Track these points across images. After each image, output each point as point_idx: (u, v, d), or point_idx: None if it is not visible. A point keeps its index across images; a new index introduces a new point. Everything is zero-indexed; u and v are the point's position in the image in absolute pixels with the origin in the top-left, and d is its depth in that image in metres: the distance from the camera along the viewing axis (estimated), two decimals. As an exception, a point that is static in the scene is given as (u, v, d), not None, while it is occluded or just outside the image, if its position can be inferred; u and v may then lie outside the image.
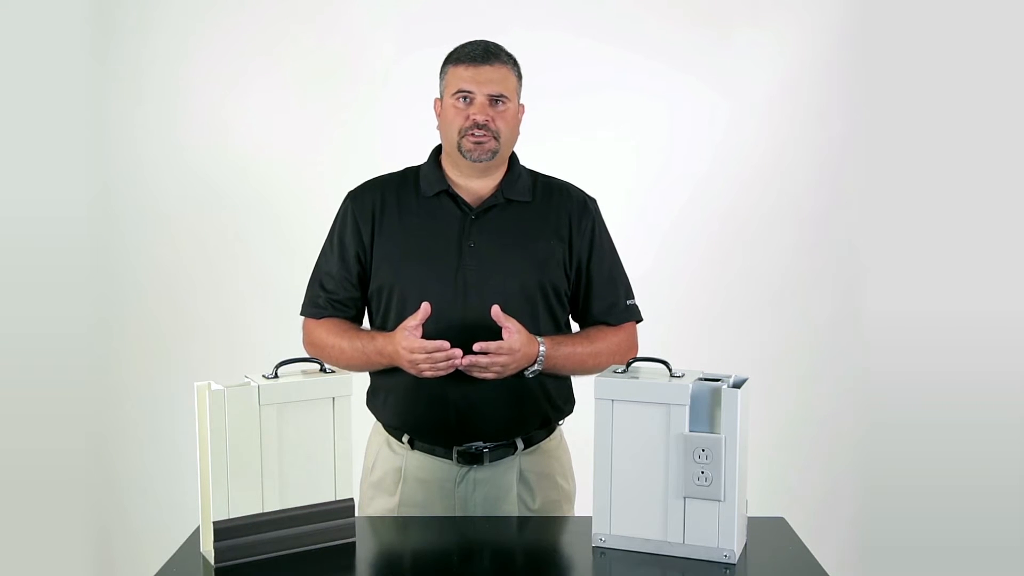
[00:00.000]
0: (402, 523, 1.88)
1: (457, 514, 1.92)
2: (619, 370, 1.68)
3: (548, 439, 1.99)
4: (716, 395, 1.58)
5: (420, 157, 2.04)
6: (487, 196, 1.94)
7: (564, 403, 2.01)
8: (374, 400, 2.00)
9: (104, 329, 3.05)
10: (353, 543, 1.67)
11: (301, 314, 2.00)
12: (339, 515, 1.67)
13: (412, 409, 1.91)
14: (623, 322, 2.00)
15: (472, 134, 1.86)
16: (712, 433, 1.59)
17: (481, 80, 1.87)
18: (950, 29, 2.78)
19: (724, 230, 3.17)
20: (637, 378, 1.64)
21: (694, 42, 3.12)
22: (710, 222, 3.17)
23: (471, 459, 1.91)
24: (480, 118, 1.86)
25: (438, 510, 1.92)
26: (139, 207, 3.08)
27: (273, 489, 1.61)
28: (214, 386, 1.58)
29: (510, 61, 1.93)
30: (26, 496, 2.73)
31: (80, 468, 2.94)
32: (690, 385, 1.60)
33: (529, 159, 3.15)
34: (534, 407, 1.93)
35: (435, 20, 3.04)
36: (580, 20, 3.10)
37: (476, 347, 1.77)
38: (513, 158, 2.00)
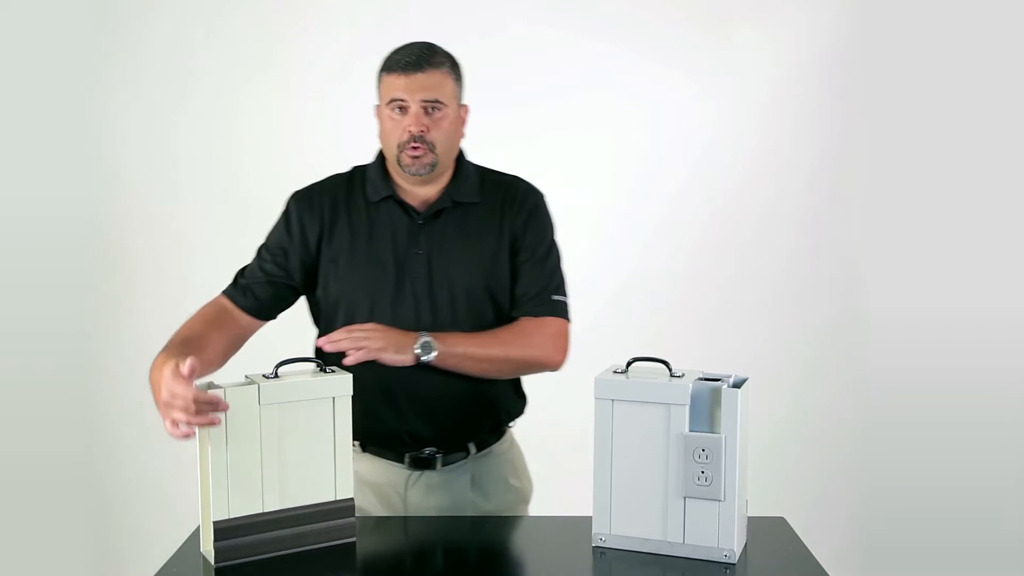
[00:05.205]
0: (402, 523, 1.88)
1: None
2: (619, 370, 1.68)
3: (499, 442, 1.98)
4: (716, 395, 1.58)
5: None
6: (434, 200, 1.89)
7: (515, 404, 2.00)
8: None
9: (103, 328, 3.05)
10: (353, 543, 1.67)
11: (222, 291, 1.93)
12: (339, 515, 1.67)
13: (363, 414, 1.81)
14: (544, 315, 1.90)
15: (411, 147, 1.81)
16: (712, 433, 1.59)
17: (414, 88, 1.80)
18: (947, 30, 2.79)
19: (723, 230, 3.17)
20: (637, 378, 1.64)
21: (693, 43, 3.12)
22: (709, 221, 3.17)
23: (423, 464, 1.90)
24: (415, 129, 1.80)
25: (387, 514, 1.90)
26: (139, 206, 3.08)
27: (273, 489, 1.61)
28: (214, 386, 1.58)
29: (446, 64, 1.85)
30: (26, 496, 2.74)
31: (80, 468, 2.94)
32: (690, 385, 1.60)
33: (526, 158, 3.15)
34: (486, 410, 1.93)
35: (429, 20, 3.04)
36: (577, 20, 3.09)
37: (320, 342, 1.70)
38: (460, 159, 1.94)
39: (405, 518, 1.90)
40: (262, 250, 1.94)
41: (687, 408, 1.59)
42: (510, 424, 2.01)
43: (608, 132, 3.16)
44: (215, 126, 3.07)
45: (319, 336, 1.93)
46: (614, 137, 3.16)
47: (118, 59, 3.03)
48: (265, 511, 1.61)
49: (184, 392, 1.50)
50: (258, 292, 1.90)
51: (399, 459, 1.90)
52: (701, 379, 1.63)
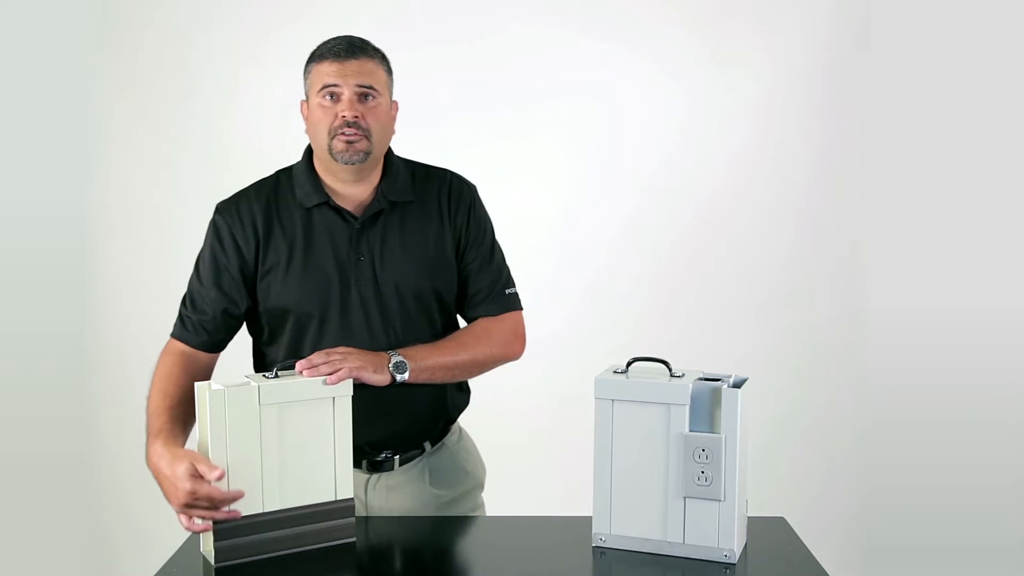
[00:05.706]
0: (402, 523, 1.88)
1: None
2: (619, 370, 1.68)
3: (449, 434, 1.99)
4: (716, 395, 1.58)
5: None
6: (369, 201, 1.83)
7: (460, 398, 2.00)
8: None
9: (103, 328, 3.04)
10: (353, 543, 1.68)
11: (171, 335, 1.87)
12: (339, 515, 1.67)
13: None
14: (500, 312, 1.91)
15: (343, 133, 1.74)
16: (712, 433, 1.59)
17: (347, 73, 1.75)
18: (943, 30, 2.79)
19: (725, 229, 3.17)
20: (637, 378, 1.64)
21: (692, 43, 3.12)
22: (711, 221, 3.17)
23: (380, 467, 1.90)
24: (349, 115, 1.74)
25: None
26: (136, 206, 3.08)
27: (273, 489, 1.61)
28: (214, 386, 1.58)
29: (378, 55, 1.82)
30: (26, 496, 2.74)
31: (79, 468, 2.94)
32: (690, 385, 1.60)
33: (522, 158, 3.16)
34: (440, 411, 1.93)
35: (429, 20, 3.04)
36: (577, 20, 3.10)
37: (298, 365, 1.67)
38: (388, 155, 1.88)
39: (405, 518, 1.90)
40: (201, 273, 1.87)
41: (687, 408, 1.59)
42: (458, 417, 2.03)
43: (608, 132, 3.16)
44: (213, 127, 3.07)
45: (264, 345, 1.89)
46: (614, 137, 3.17)
47: (116, 59, 3.03)
48: (265, 511, 1.61)
49: (207, 492, 1.54)
50: (209, 327, 1.84)
51: (356, 465, 1.87)
52: (701, 379, 1.63)
